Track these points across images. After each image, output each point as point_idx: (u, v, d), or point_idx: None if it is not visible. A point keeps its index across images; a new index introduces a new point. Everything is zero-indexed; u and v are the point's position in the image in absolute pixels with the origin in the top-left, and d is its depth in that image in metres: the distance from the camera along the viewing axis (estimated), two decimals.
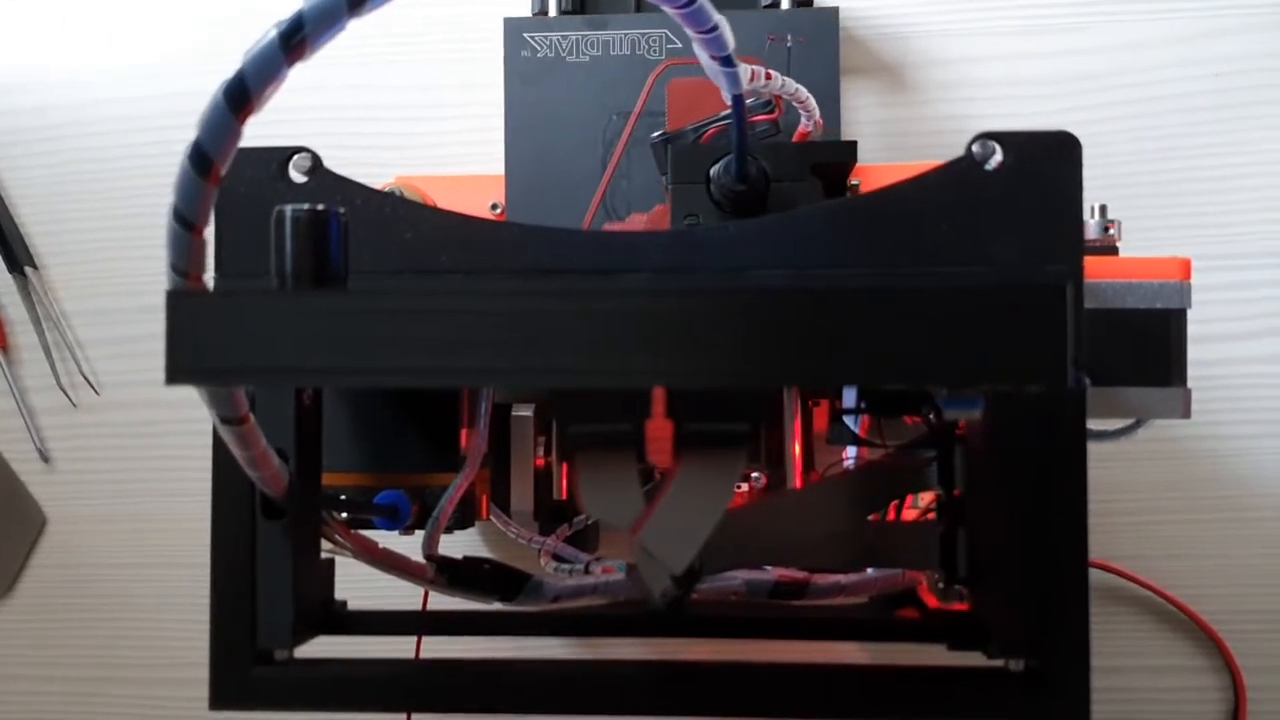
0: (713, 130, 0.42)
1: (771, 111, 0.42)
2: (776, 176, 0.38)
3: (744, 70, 0.32)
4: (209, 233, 0.31)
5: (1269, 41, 0.55)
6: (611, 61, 0.50)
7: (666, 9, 0.27)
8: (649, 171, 0.47)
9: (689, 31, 0.29)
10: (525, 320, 0.23)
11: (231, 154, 0.24)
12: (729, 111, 0.35)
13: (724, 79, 0.32)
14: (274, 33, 0.23)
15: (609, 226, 0.44)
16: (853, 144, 0.40)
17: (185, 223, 0.24)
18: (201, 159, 0.23)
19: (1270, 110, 0.55)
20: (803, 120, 0.44)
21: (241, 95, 0.23)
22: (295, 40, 0.23)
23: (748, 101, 0.42)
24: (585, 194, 0.48)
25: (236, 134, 0.23)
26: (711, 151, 0.39)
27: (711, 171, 0.38)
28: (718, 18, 0.28)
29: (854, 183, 0.45)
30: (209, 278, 0.31)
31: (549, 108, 0.50)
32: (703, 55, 0.30)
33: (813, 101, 0.42)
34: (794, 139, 0.45)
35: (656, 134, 0.43)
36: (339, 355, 0.23)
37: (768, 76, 0.39)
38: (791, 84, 0.40)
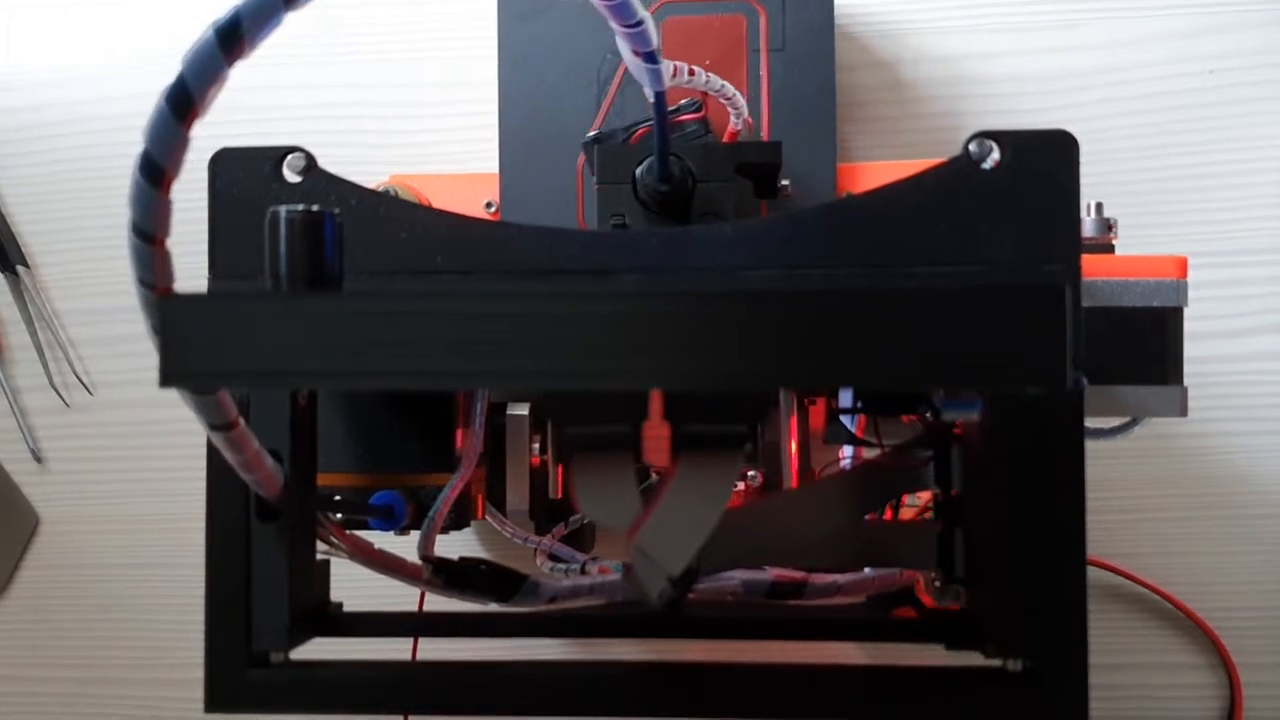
0: (642, 130, 0.42)
1: (699, 111, 0.42)
2: (703, 177, 0.38)
3: (666, 67, 0.32)
4: (204, 234, 0.31)
5: (1264, 38, 0.55)
6: None
7: (594, 3, 0.27)
8: (643, 111, 0.46)
9: (613, 25, 0.28)
10: (521, 323, 0.22)
11: (182, 160, 0.23)
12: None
13: (646, 75, 0.31)
14: (211, 33, 0.23)
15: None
16: (778, 145, 0.40)
17: (144, 235, 0.23)
18: (152, 169, 0.23)
19: (1265, 107, 0.55)
20: (731, 119, 0.43)
21: (184, 100, 0.23)
22: (234, 39, 0.23)
23: (680, 101, 0.42)
24: (580, 133, 0.47)
25: (184, 140, 0.23)
26: (639, 151, 0.39)
27: (637, 172, 0.38)
28: (643, 13, 0.28)
29: (783, 183, 0.44)
30: (203, 279, 0.31)
31: (543, 46, 0.49)
32: (625, 50, 0.30)
33: (740, 99, 0.42)
34: (724, 139, 0.44)
35: (589, 134, 0.42)
36: (334, 358, 0.23)
37: (690, 73, 0.38)
38: (716, 81, 0.40)
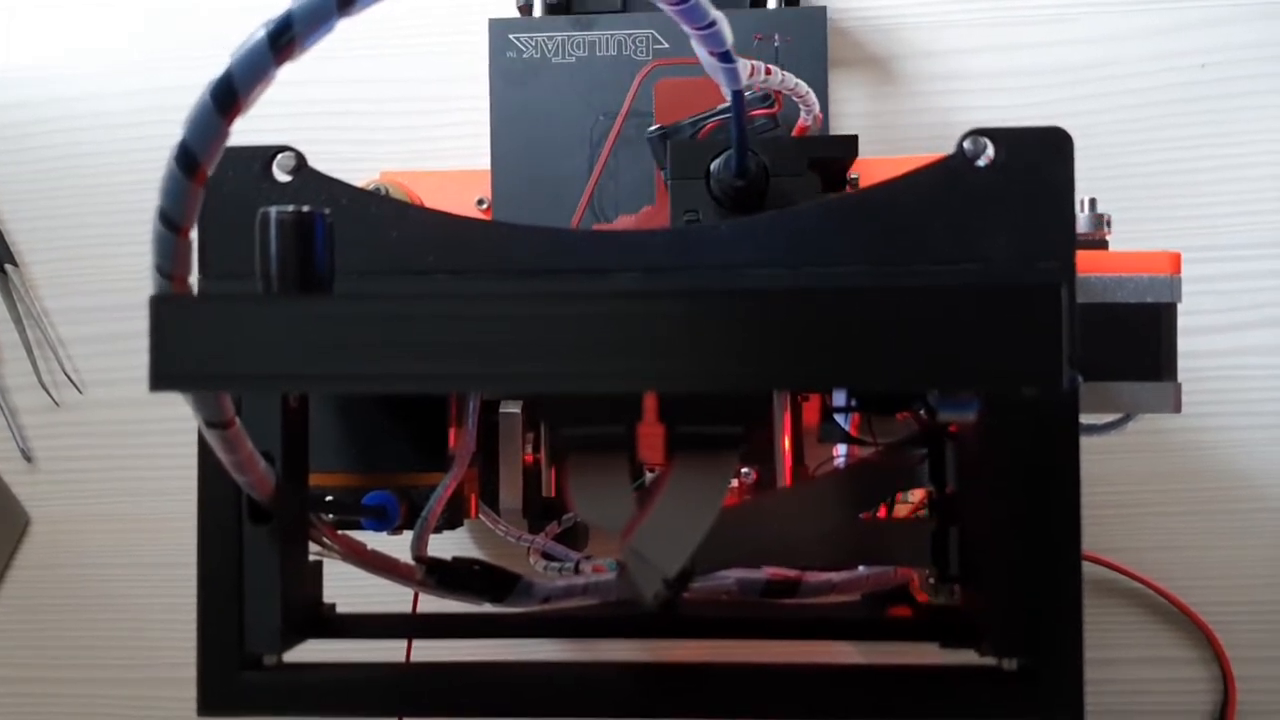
0: (710, 125, 0.41)
1: (770, 106, 0.42)
2: (775, 171, 0.38)
3: (743, 65, 0.32)
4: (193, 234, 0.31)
5: (1254, 32, 0.55)
6: (598, 62, 0.50)
7: (664, 7, 0.27)
8: (637, 172, 0.47)
9: (686, 28, 0.28)
10: (514, 325, 0.22)
11: (218, 155, 0.23)
12: (726, 106, 0.35)
13: (723, 75, 0.32)
14: (262, 33, 0.22)
15: (596, 228, 0.44)
16: (854, 138, 0.40)
17: (171, 224, 0.23)
18: (188, 160, 0.23)
19: (1256, 101, 0.55)
20: (802, 115, 0.44)
21: (229, 96, 0.23)
22: (284, 40, 0.22)
23: (746, 96, 0.42)
24: (572, 195, 0.48)
25: (224, 135, 0.23)
26: (711, 147, 0.39)
27: (711, 167, 0.38)
28: (715, 14, 0.28)
29: (853, 176, 0.44)
30: (194, 280, 0.31)
31: (535, 108, 0.50)
32: (701, 51, 0.30)
33: (812, 96, 0.42)
34: (793, 134, 0.44)
35: (653, 128, 0.42)
36: (326, 361, 0.22)
37: (767, 72, 0.39)
38: (791, 79, 0.40)
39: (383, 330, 0.22)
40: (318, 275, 0.26)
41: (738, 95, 0.34)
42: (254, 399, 0.30)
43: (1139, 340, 0.37)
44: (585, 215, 0.47)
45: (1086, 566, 0.30)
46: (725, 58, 0.30)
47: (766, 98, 0.42)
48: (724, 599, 0.36)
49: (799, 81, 0.41)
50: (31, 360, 0.59)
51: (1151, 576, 0.53)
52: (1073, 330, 0.28)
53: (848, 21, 0.56)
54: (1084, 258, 0.35)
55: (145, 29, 0.60)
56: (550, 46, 0.50)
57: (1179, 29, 0.56)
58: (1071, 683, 0.29)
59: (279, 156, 0.31)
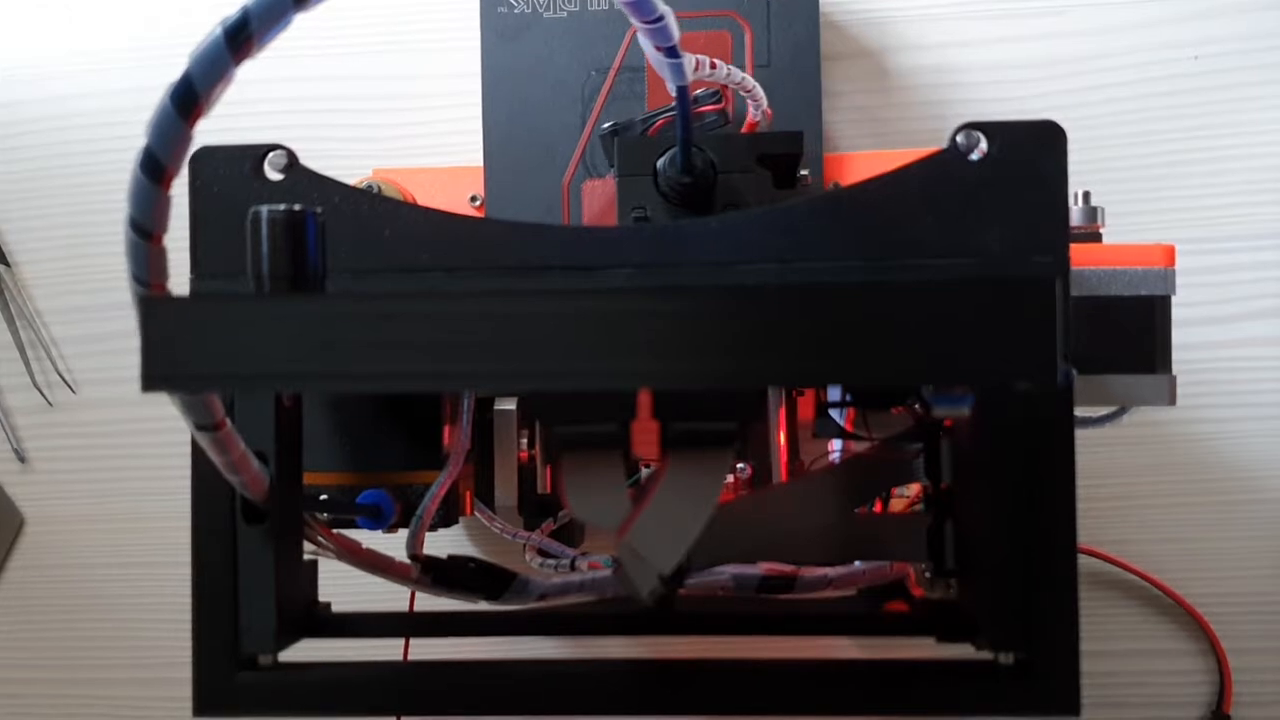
0: (661, 121, 0.42)
1: (719, 102, 0.42)
2: (724, 168, 0.38)
3: (689, 60, 0.32)
4: (187, 233, 0.31)
5: (1249, 24, 0.55)
6: (590, 17, 0.49)
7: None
8: None
9: (634, 20, 0.28)
10: (507, 323, 0.22)
11: (184, 158, 0.23)
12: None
13: (668, 70, 0.31)
14: (219, 31, 0.22)
15: (588, 183, 0.44)
16: (799, 134, 0.40)
17: (142, 231, 0.23)
18: (153, 165, 0.23)
19: (1250, 92, 0.55)
20: (750, 110, 0.43)
21: (189, 97, 0.23)
22: (241, 38, 0.22)
23: (696, 92, 0.42)
24: (565, 151, 0.48)
25: (187, 137, 0.23)
26: (659, 143, 0.39)
27: (658, 164, 0.38)
28: (664, 8, 0.28)
29: (803, 173, 0.44)
30: (187, 279, 0.31)
31: (527, 64, 0.49)
32: (647, 45, 0.30)
33: (760, 91, 0.42)
34: (743, 129, 0.44)
35: (605, 125, 0.42)
36: (318, 361, 0.22)
37: (712, 66, 0.38)
38: (738, 73, 0.40)
39: (376, 329, 0.22)
40: (310, 274, 0.26)
41: (682, 91, 0.33)
42: (247, 399, 0.30)
43: (1133, 333, 0.37)
44: (577, 171, 0.47)
45: (1082, 559, 0.30)
46: (671, 53, 0.30)
47: (716, 94, 0.42)
48: (720, 595, 0.36)
49: (745, 76, 0.41)
50: (24, 361, 0.59)
51: (1147, 569, 0.54)
52: (1067, 324, 0.28)
53: (841, 15, 0.56)
54: (1078, 251, 0.35)
55: (138, 28, 0.60)
56: (542, 1, 0.50)
57: (1171, 21, 0.55)
58: (1068, 676, 0.29)
59: (270, 155, 0.31)
